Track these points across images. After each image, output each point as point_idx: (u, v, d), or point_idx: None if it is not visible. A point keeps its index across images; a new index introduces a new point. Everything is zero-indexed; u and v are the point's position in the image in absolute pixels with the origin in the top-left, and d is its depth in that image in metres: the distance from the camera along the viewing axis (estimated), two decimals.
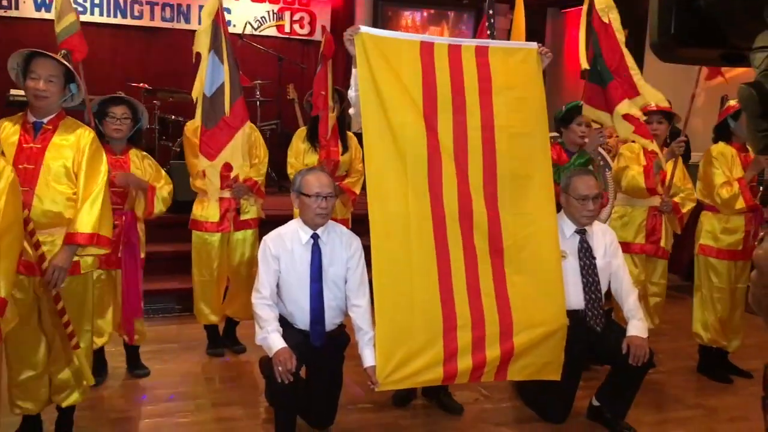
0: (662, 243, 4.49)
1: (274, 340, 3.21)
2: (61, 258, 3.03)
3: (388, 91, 3.24)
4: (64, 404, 3.31)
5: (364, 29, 3.25)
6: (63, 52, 3.30)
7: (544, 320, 3.38)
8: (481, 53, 3.42)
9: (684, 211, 4.48)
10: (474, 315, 3.28)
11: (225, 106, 4.07)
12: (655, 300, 4.62)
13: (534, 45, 3.52)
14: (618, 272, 3.78)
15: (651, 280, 4.60)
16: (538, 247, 3.44)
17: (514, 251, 3.38)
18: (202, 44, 4.07)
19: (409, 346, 3.19)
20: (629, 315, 3.68)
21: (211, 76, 4.06)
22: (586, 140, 4.22)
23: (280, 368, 3.09)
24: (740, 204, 4.22)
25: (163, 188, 4.03)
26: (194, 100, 4.17)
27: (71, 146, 3.13)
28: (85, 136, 3.19)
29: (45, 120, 3.15)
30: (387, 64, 3.25)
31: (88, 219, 3.08)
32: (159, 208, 4.02)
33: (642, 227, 4.48)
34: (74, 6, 3.97)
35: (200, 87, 4.08)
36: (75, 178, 3.12)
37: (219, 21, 4.09)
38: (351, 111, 3.56)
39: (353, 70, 3.35)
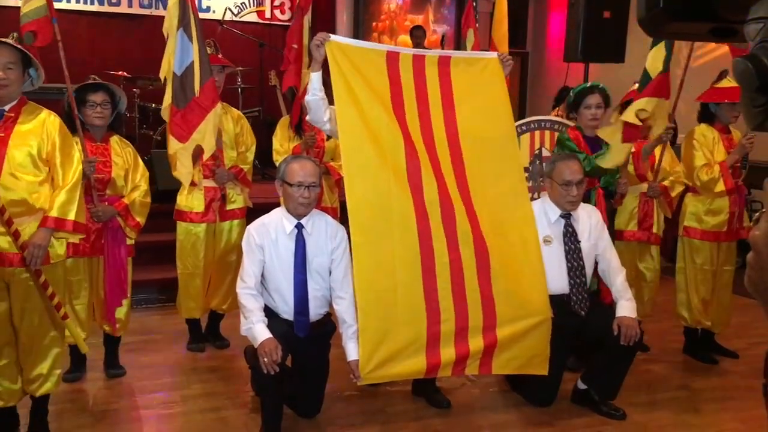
0: (654, 229, 4.49)
1: (259, 331, 3.18)
2: (38, 237, 3.03)
3: (361, 92, 3.31)
4: (37, 394, 3.27)
5: (334, 38, 3.33)
6: (14, 35, 3.22)
7: (528, 313, 3.40)
8: (444, 63, 3.53)
9: (673, 194, 4.48)
10: (458, 309, 3.30)
11: (195, 85, 3.96)
12: (649, 285, 4.60)
13: (494, 54, 3.67)
14: (605, 253, 3.78)
15: (643, 266, 4.58)
16: (517, 243, 3.47)
17: (497, 248, 3.40)
18: (171, 23, 3.97)
19: (392, 340, 3.20)
20: (618, 296, 3.68)
21: (181, 54, 3.95)
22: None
23: (265, 359, 3.06)
24: (720, 187, 4.22)
25: (133, 194, 3.89)
26: (163, 80, 4.08)
27: (36, 133, 3.08)
28: (50, 122, 3.14)
29: (6, 108, 3.08)
30: (356, 69, 3.33)
31: (69, 206, 3.09)
32: (142, 218, 3.93)
33: (634, 214, 4.47)
34: None
35: (167, 66, 3.97)
36: (43, 164, 3.08)
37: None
38: (307, 118, 3.67)
39: (311, 74, 3.42)
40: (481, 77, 3.58)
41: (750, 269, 0.78)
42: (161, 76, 4.06)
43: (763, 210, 0.77)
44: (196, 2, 8.36)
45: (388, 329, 3.19)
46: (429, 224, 3.30)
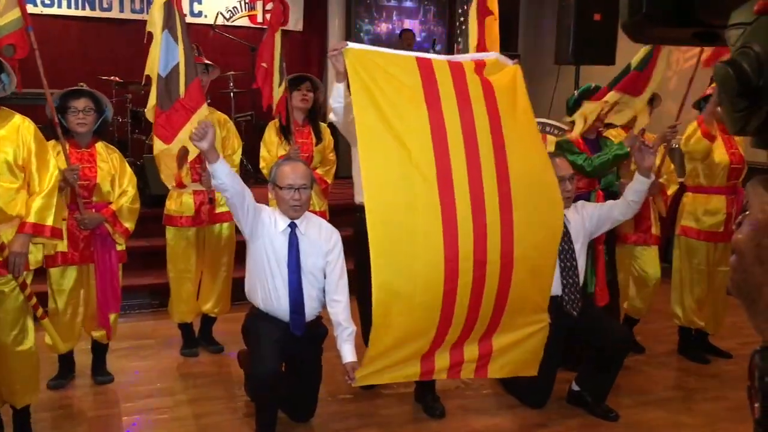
0: (653, 230, 4.47)
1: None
2: (17, 244, 3.04)
3: (384, 97, 3.09)
4: (18, 406, 3.27)
5: (352, 45, 3.18)
6: None
7: (528, 322, 3.38)
8: (480, 68, 3.37)
9: (669, 192, 4.48)
10: (467, 326, 3.21)
11: (180, 87, 3.94)
12: (650, 288, 4.55)
13: (513, 62, 3.58)
14: (603, 208, 3.84)
15: (644, 268, 4.54)
16: (540, 252, 3.34)
17: (522, 259, 3.26)
18: (154, 23, 3.94)
19: (395, 353, 3.15)
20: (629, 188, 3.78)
21: (165, 55, 3.93)
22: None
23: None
24: (703, 143, 4.21)
25: (121, 199, 3.86)
26: (144, 79, 4.04)
27: (11, 139, 3.08)
28: (24, 127, 3.13)
29: None
30: (381, 72, 3.14)
31: (47, 212, 3.10)
32: (130, 223, 3.90)
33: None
34: None
35: (152, 65, 3.94)
36: (19, 171, 3.08)
37: (173, 1, 3.98)
38: (332, 117, 3.54)
39: (336, 85, 3.36)
40: (512, 86, 3.43)
41: (733, 272, 0.79)
42: (146, 73, 4.02)
43: (746, 213, 0.77)
44: (187, 6, 8.39)
45: (396, 345, 3.13)
46: (457, 241, 3.08)
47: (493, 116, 3.25)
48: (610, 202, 3.89)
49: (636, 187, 3.72)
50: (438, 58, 3.34)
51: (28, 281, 3.18)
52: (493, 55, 3.60)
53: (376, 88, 3.10)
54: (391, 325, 3.07)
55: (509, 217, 3.20)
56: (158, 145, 3.98)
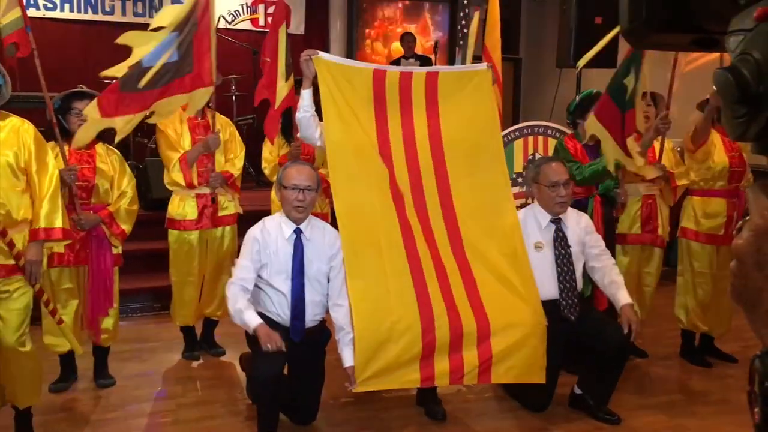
0: (660, 231, 4.46)
1: (249, 317, 3.24)
2: (32, 252, 3.07)
3: (346, 108, 3.45)
4: (21, 406, 3.27)
5: (321, 54, 3.48)
6: None
7: (522, 321, 3.43)
8: (431, 79, 3.65)
9: (678, 183, 4.41)
10: (450, 314, 3.33)
11: (143, 81, 3.77)
12: (650, 290, 4.57)
13: (483, 65, 3.83)
14: (593, 251, 3.78)
15: (645, 270, 4.54)
16: (506, 251, 3.54)
17: (477, 254, 3.49)
18: (169, 17, 3.86)
19: (388, 349, 3.23)
20: (616, 286, 3.69)
21: (158, 52, 3.81)
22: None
23: (269, 345, 3.12)
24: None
25: (119, 201, 3.86)
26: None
27: (11, 142, 3.09)
28: (24, 129, 3.15)
29: None
30: (342, 85, 3.47)
31: (55, 214, 3.13)
32: (128, 225, 3.89)
33: (637, 217, 4.42)
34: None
35: (143, 48, 3.79)
36: (21, 173, 3.10)
37: (201, 12, 3.93)
38: (299, 134, 3.79)
39: (302, 92, 3.52)
40: (467, 90, 3.69)
41: (734, 278, 0.78)
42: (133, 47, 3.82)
43: (747, 218, 0.77)
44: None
45: (384, 338, 3.22)
46: (413, 234, 3.40)
47: (433, 128, 3.62)
48: (606, 260, 3.82)
49: (613, 298, 3.70)
50: (392, 70, 3.69)
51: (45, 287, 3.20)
52: (452, 68, 4.03)
53: (340, 100, 3.45)
54: (374, 313, 3.25)
55: (454, 222, 3.53)
56: (92, 111, 3.69)
